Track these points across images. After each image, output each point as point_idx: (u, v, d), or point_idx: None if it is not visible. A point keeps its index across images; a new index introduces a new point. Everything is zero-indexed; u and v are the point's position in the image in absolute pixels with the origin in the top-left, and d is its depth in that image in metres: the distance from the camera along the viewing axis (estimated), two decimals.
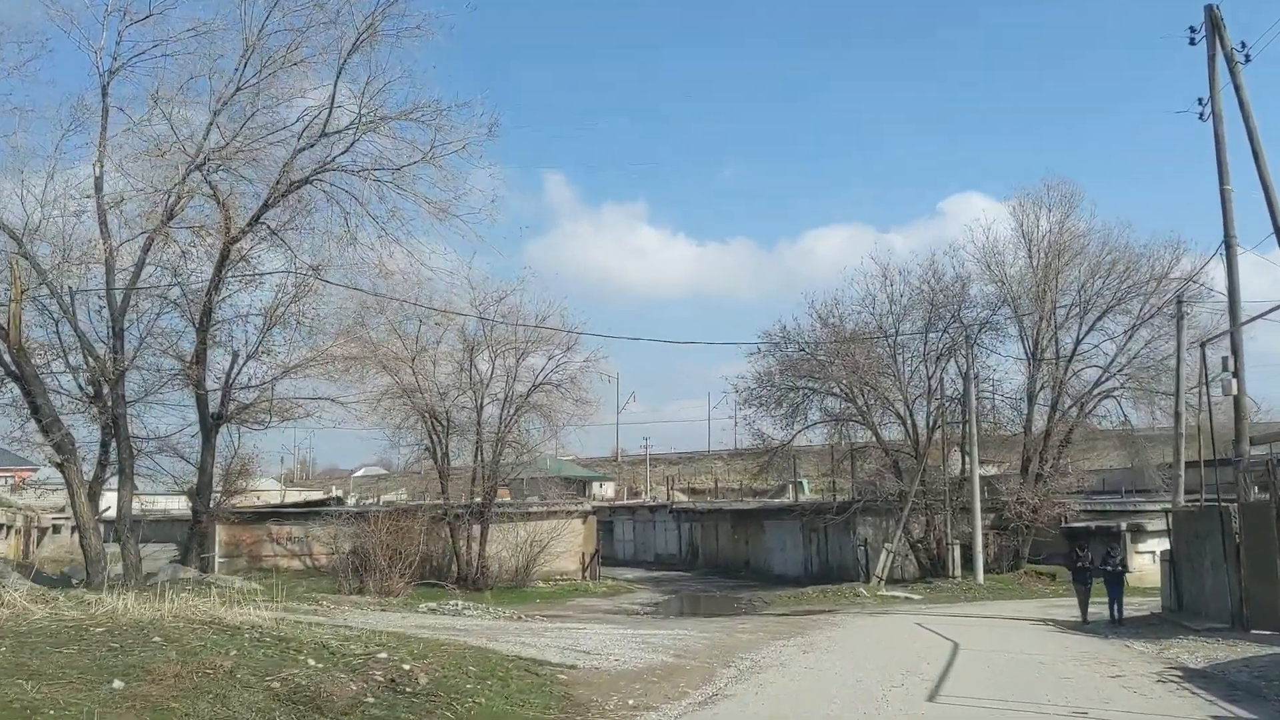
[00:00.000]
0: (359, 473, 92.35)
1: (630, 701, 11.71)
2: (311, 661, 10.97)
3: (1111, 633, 21.21)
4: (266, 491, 54.71)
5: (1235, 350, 22.03)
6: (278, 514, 40.96)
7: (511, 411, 37.64)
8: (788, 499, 52.89)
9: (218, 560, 34.49)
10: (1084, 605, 24.16)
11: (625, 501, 67.79)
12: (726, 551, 51.36)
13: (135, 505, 26.28)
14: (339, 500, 51.49)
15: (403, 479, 42.73)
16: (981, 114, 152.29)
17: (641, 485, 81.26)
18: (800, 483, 54.32)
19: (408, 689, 10.59)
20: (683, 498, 68.86)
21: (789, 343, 40.13)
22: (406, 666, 11.40)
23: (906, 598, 33.08)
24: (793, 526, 45.10)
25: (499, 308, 37.43)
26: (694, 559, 54.38)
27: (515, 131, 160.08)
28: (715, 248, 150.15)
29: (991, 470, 42.53)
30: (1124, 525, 36.96)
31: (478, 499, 37.44)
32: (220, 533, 35.68)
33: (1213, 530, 20.55)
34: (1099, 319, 37.06)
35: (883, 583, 36.71)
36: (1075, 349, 37.55)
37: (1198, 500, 23.90)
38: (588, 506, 41.12)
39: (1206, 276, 31.02)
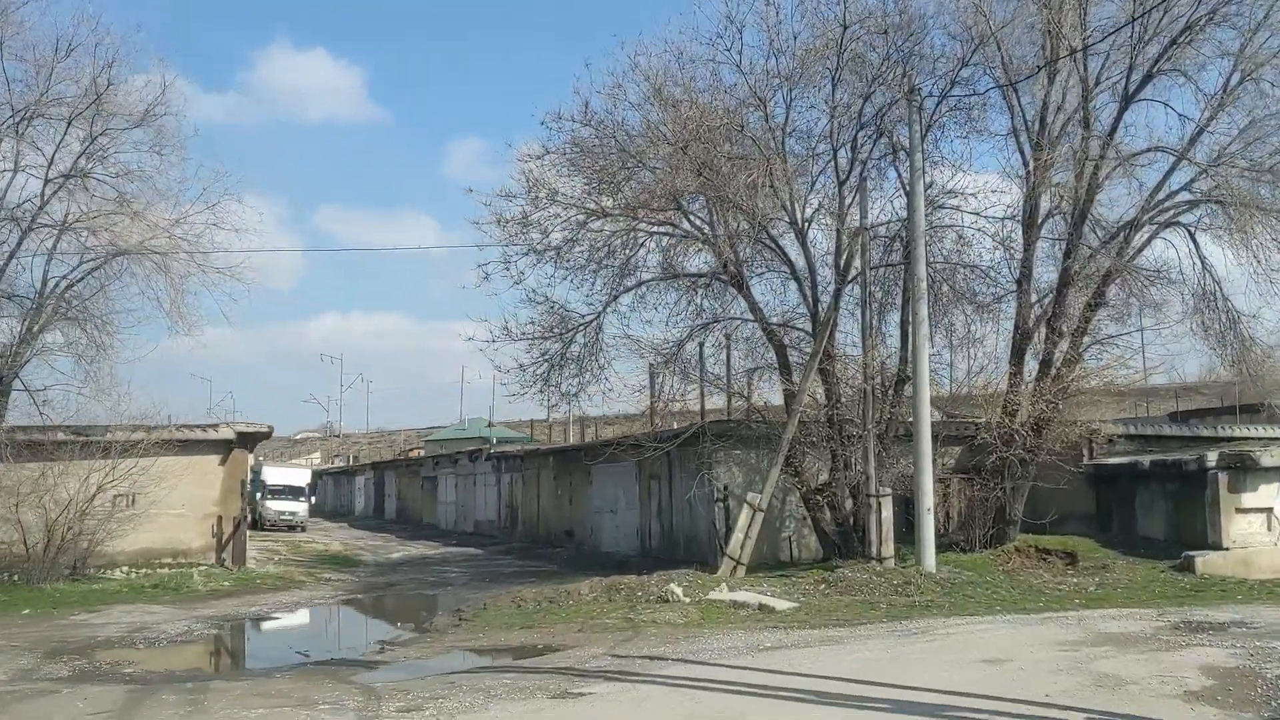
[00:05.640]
0: None
1: None
2: None
3: None
4: None
5: None
6: None
7: (16, 235, 19.20)
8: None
9: None
10: None
11: (443, 451, 49.14)
12: (549, 514, 33.19)
13: None
14: None
15: None
16: None
17: None
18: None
19: None
20: None
21: (604, 136, 21.24)
22: None
23: (761, 606, 15.00)
24: (627, 473, 26.97)
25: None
26: (513, 526, 36.24)
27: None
28: None
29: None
30: (1211, 458, 19.03)
31: None
32: None
33: None
34: (1164, 55, 18.75)
35: (740, 568, 18.76)
36: (1120, 115, 19.27)
37: None
38: (228, 434, 22.55)
39: None
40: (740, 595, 15.83)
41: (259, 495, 46.12)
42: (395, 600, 20.30)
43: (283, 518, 43.69)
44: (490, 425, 46.97)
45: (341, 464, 79.42)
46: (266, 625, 16.34)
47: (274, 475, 47.19)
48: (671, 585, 16.10)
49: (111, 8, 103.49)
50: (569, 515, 31.17)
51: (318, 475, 78.94)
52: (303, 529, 43.38)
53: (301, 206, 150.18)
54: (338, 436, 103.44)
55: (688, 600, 15.64)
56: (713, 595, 15.94)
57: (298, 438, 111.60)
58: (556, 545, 30.62)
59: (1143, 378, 20.19)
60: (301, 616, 17.67)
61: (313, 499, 49.22)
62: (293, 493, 45.26)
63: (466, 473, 41.85)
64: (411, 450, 74.27)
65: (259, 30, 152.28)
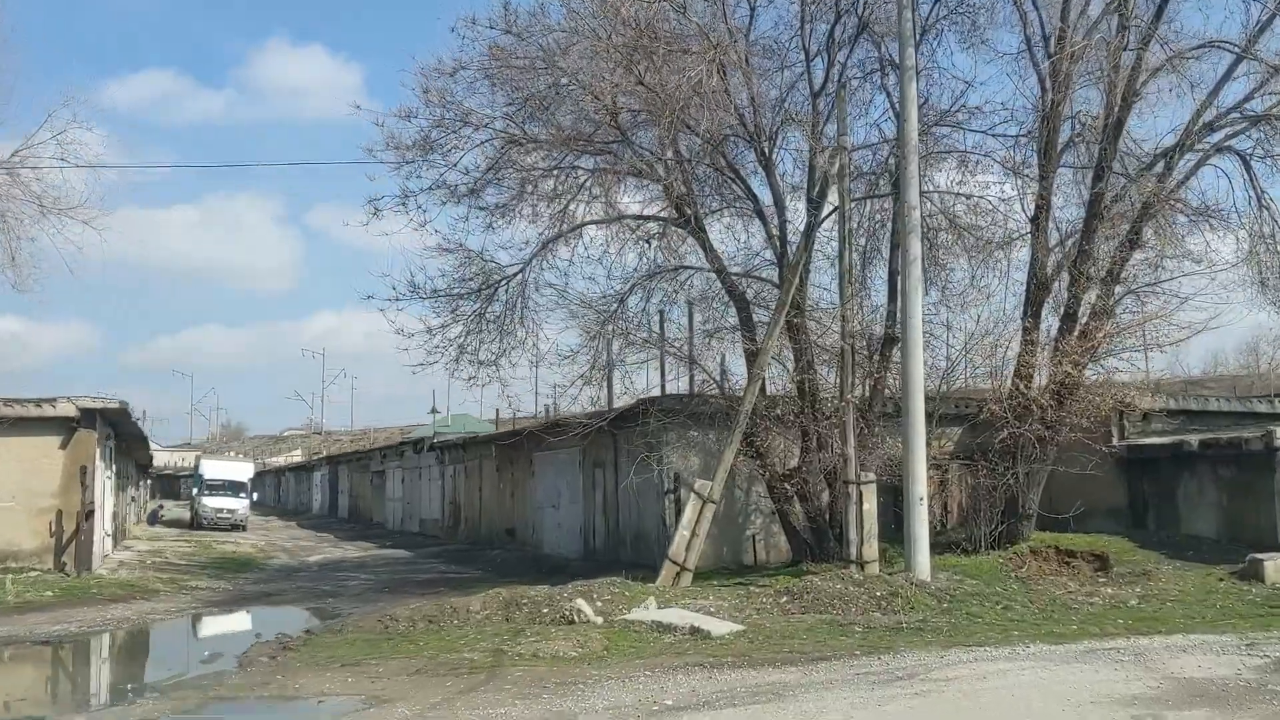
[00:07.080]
0: None
1: None
2: None
3: None
4: None
5: None
6: None
7: None
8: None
9: None
10: None
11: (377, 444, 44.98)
12: (491, 511, 29.15)
13: None
14: None
15: None
16: None
17: None
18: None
19: None
20: None
21: (528, 42, 17.09)
22: None
23: (693, 629, 10.96)
24: (570, 462, 22.94)
25: None
26: (456, 525, 32.22)
27: None
28: None
29: None
30: None
31: None
32: None
33: None
34: None
35: (685, 575, 14.73)
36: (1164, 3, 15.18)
37: None
38: (68, 410, 18.36)
39: None
40: (669, 614, 11.79)
41: (196, 491, 42.09)
42: (248, 617, 16.18)
43: (221, 515, 39.57)
44: (434, 412, 42.64)
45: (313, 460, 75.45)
46: (30, 655, 12.24)
47: (213, 469, 43.11)
48: (579, 601, 12.04)
49: (111, 5, 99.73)
50: (511, 512, 27.14)
51: (279, 471, 74.91)
52: (243, 528, 39.33)
53: (297, 205, 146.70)
54: (319, 434, 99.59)
55: (599, 621, 11.61)
56: (633, 614, 11.91)
57: (283, 435, 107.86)
58: (496, 546, 26.61)
59: (1191, 334, 16.18)
60: (98, 641, 13.54)
61: (255, 495, 45.03)
62: (233, 489, 41.10)
63: (413, 466, 37.81)
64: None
65: (256, 27, 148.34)
